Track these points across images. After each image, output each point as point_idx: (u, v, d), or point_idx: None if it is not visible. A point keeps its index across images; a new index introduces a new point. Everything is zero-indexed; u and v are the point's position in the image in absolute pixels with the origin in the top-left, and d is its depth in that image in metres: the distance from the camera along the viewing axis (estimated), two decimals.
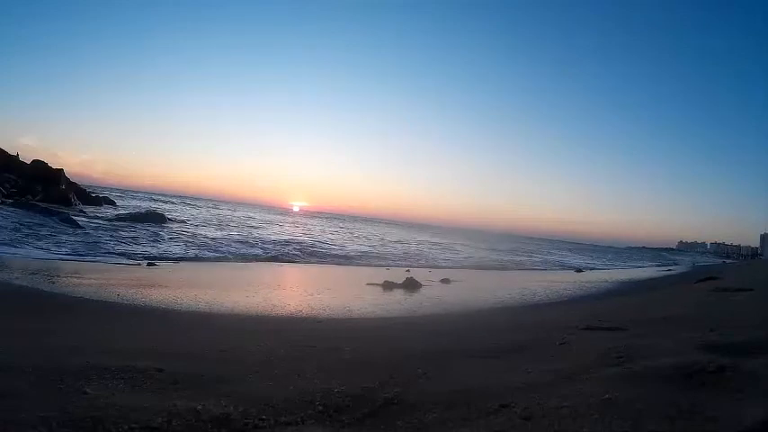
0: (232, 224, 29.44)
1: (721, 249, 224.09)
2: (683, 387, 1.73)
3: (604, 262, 34.94)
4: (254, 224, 32.57)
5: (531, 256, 30.57)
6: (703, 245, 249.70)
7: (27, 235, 13.30)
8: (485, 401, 1.75)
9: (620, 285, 12.60)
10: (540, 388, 1.88)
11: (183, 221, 26.69)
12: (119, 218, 22.37)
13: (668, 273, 19.87)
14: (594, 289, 11.31)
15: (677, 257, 65.79)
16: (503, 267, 20.47)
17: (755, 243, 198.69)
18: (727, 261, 55.31)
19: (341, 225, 52.99)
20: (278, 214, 66.05)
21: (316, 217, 75.46)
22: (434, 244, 33.78)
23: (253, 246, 18.49)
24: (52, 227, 15.75)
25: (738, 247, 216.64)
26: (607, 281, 14.10)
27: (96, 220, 19.98)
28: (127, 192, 69.33)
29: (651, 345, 2.54)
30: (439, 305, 7.36)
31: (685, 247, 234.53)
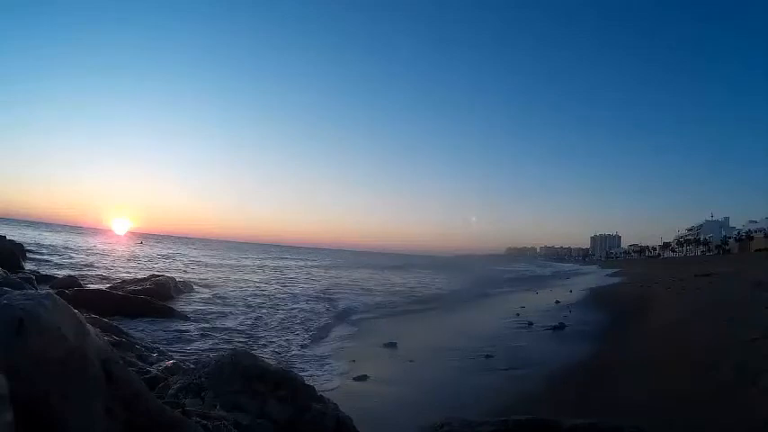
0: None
1: (552, 252, 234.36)
2: None
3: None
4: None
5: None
6: (533, 249, 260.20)
7: None
8: None
9: None
10: None
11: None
12: None
13: None
14: None
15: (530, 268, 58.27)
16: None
17: (586, 244, 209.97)
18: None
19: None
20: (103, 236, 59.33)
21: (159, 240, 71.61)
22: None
23: None
24: None
25: (569, 249, 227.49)
26: None
27: None
28: None
29: None
30: None
31: (516, 253, 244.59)
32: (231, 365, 3.27)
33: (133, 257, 30.60)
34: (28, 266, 15.67)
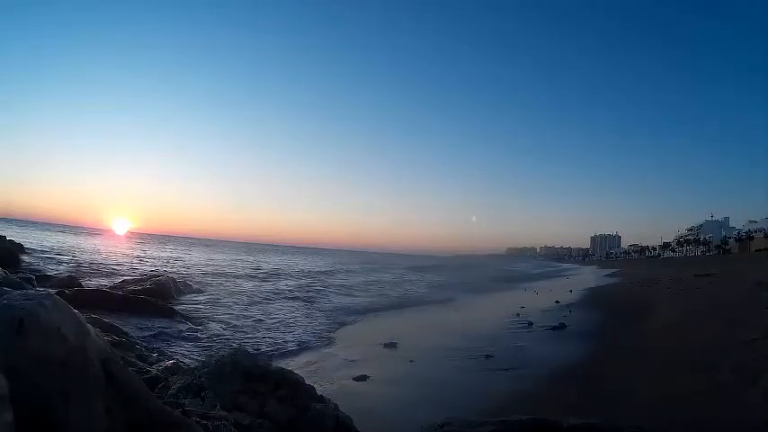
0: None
1: (552, 252, 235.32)
2: None
3: None
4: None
5: None
6: (533, 249, 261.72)
7: None
8: None
9: None
10: None
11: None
12: None
13: None
14: None
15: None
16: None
17: (586, 244, 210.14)
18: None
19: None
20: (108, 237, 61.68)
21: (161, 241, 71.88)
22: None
23: None
24: None
25: (569, 249, 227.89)
26: None
27: None
28: None
29: None
30: None
31: (516, 253, 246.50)
32: (231, 365, 3.27)
33: (133, 258, 30.63)
34: (27, 266, 15.68)
